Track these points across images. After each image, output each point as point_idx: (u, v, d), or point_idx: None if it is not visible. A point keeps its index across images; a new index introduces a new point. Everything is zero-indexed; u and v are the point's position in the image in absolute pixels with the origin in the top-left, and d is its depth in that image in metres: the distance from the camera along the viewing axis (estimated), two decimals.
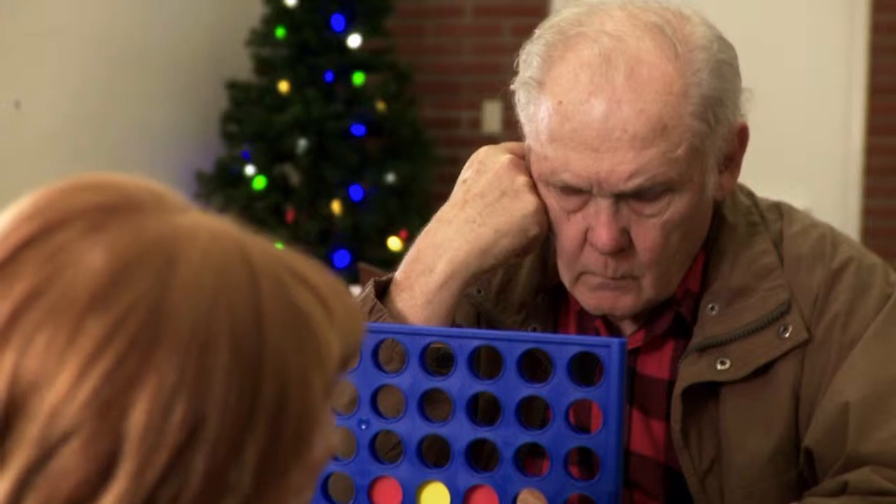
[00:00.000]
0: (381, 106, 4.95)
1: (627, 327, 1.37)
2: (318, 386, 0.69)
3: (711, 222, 1.35)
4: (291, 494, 0.69)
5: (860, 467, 1.24)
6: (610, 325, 1.38)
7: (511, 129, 5.52)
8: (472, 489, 1.17)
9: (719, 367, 1.29)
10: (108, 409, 0.62)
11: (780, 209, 1.39)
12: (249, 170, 4.93)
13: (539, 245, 1.34)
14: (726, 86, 1.26)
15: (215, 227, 0.68)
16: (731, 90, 1.27)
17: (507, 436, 1.15)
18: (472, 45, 5.34)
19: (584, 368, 1.26)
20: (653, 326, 1.35)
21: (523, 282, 1.39)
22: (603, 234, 1.25)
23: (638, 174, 1.22)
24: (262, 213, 4.91)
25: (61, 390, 0.62)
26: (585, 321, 1.38)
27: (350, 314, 0.72)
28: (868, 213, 4.89)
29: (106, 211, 0.67)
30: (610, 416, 1.11)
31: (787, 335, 1.29)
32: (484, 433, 1.17)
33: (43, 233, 0.66)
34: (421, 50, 5.39)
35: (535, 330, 1.36)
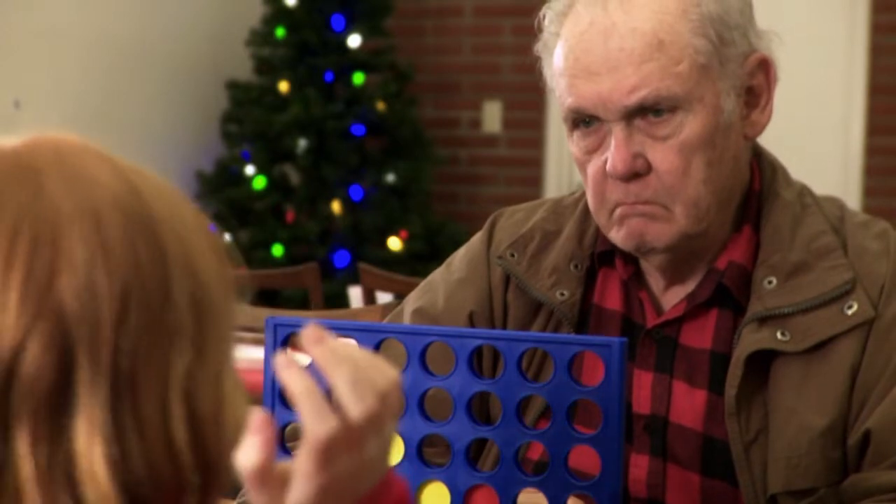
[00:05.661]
0: (381, 106, 4.95)
1: (671, 297, 1.38)
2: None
3: (766, 197, 1.37)
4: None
5: None
6: (652, 295, 1.38)
7: (511, 129, 5.51)
8: (473, 489, 1.17)
9: (779, 336, 1.29)
10: (42, 307, 0.68)
11: (837, 201, 1.41)
12: (249, 170, 4.93)
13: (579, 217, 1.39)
14: (730, 8, 1.30)
15: (57, 135, 0.76)
16: (737, 13, 1.31)
17: (507, 436, 1.15)
18: (472, 45, 5.34)
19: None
20: (694, 296, 1.35)
21: (558, 250, 1.41)
22: (615, 158, 1.28)
23: (639, 87, 1.27)
24: (262, 213, 4.91)
25: None
26: (631, 291, 1.39)
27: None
28: (868, 213, 4.89)
29: None
30: (610, 416, 1.11)
31: (852, 312, 1.29)
32: (484, 433, 1.17)
33: None
34: (421, 50, 5.39)
35: (562, 295, 1.37)
